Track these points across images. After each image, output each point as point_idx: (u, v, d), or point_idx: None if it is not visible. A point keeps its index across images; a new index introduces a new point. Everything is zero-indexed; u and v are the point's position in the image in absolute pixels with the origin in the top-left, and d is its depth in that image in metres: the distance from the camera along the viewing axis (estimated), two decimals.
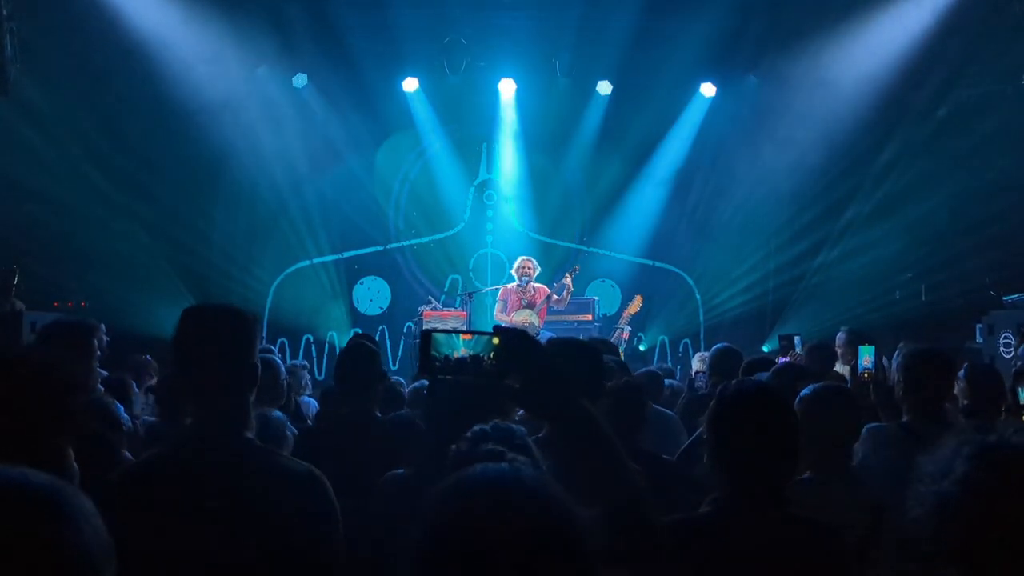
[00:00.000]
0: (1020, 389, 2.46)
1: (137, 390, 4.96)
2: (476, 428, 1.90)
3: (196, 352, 1.96)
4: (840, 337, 5.70)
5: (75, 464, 2.15)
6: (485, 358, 1.44)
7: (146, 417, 4.50)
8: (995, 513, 1.08)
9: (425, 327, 8.44)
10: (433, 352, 1.47)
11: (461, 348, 1.47)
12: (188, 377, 1.98)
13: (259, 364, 2.02)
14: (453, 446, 1.98)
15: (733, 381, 2.10)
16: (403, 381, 5.85)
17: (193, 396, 1.98)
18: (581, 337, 8.53)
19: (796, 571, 1.85)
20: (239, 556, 1.80)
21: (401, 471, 2.49)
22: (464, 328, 8.77)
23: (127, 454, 3.15)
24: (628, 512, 1.37)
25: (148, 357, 5.76)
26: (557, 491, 1.04)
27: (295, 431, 3.96)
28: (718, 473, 1.96)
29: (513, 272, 8.78)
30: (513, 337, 1.44)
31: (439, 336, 1.48)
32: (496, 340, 1.43)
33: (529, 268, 8.61)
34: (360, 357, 3.47)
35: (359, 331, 10.53)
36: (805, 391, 2.60)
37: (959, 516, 1.10)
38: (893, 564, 2.25)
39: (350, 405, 3.44)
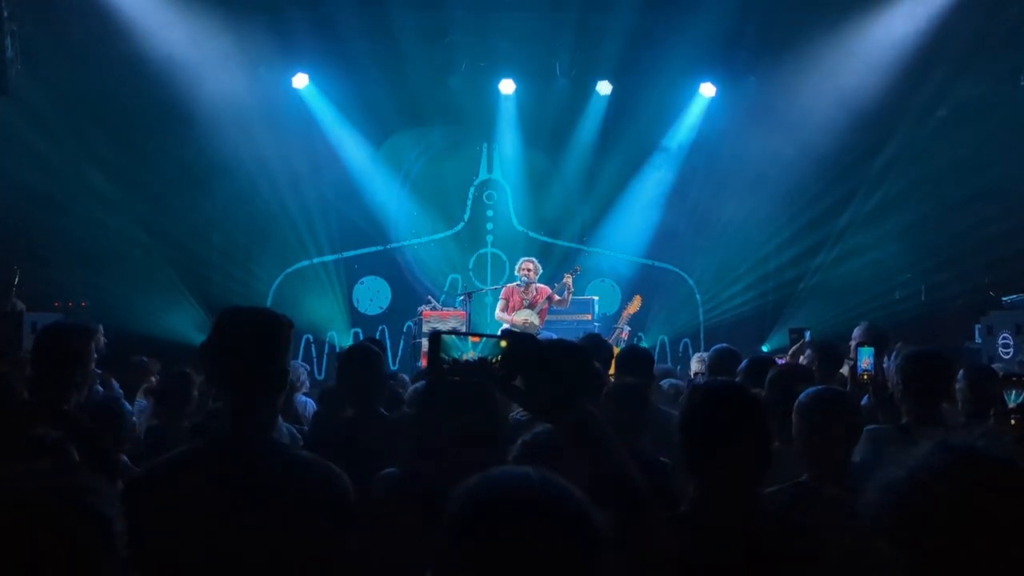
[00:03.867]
0: (1007, 392, 2.48)
1: (119, 390, 4.98)
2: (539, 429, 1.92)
3: (231, 353, 1.98)
4: (857, 332, 5.61)
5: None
6: (492, 361, 1.46)
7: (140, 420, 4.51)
8: (937, 503, 1.14)
9: (430, 328, 8.45)
10: (442, 354, 1.48)
11: (469, 351, 1.49)
12: (221, 377, 2.00)
13: (289, 369, 2.05)
14: (522, 439, 1.99)
15: (704, 381, 2.11)
16: (407, 379, 5.84)
17: (223, 395, 2.01)
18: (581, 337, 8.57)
19: (768, 569, 1.86)
20: (264, 553, 1.83)
21: (392, 470, 2.50)
22: (463, 328, 8.81)
23: (125, 458, 3.16)
24: (631, 514, 1.39)
25: (144, 359, 5.77)
26: (579, 494, 1.06)
27: (295, 432, 3.99)
28: (691, 473, 1.96)
29: (516, 272, 8.81)
30: (520, 341, 1.46)
31: (448, 338, 1.49)
32: (503, 343, 1.45)
33: (530, 269, 8.63)
34: (361, 357, 3.47)
35: (361, 334, 10.58)
36: (803, 395, 2.58)
37: (906, 502, 1.17)
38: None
39: (354, 406, 3.44)
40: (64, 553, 1.09)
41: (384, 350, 3.90)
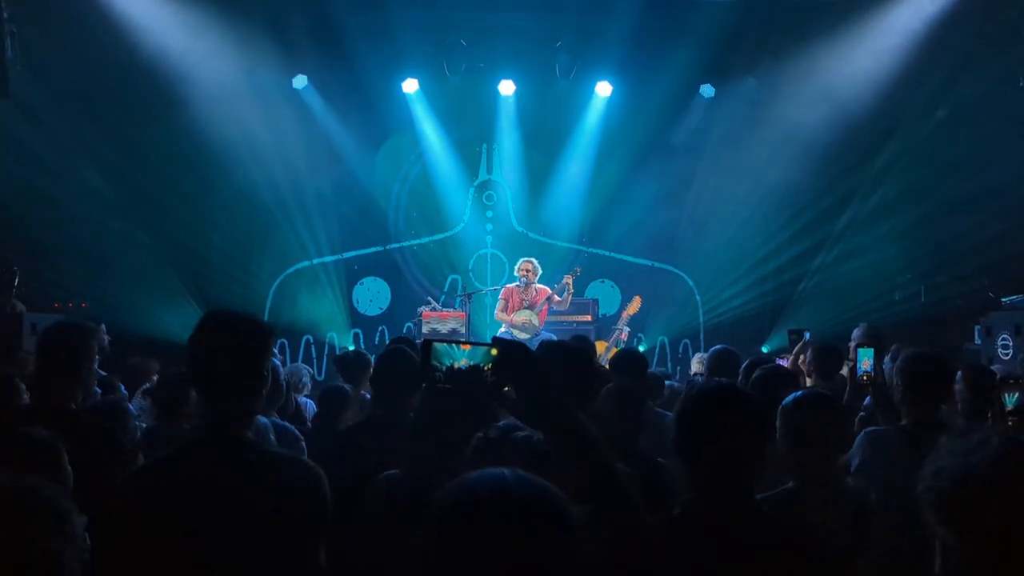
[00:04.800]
0: (1005, 395, 2.48)
1: (125, 391, 4.98)
2: (503, 422, 1.95)
3: (211, 356, 2.02)
4: (856, 333, 5.59)
5: (68, 467, 2.20)
6: (483, 368, 1.46)
7: (141, 424, 4.51)
8: (1012, 492, 1.18)
9: (425, 335, 8.46)
10: (433, 362, 1.49)
11: (460, 358, 1.49)
12: (200, 379, 2.04)
13: (269, 373, 2.08)
14: (480, 433, 2.02)
15: (700, 381, 2.11)
16: None
17: (203, 397, 2.06)
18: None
19: (761, 570, 1.86)
20: (242, 550, 1.86)
21: (395, 472, 2.52)
22: (462, 329, 8.81)
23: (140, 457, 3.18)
24: (616, 519, 1.40)
25: (143, 360, 5.77)
26: (558, 495, 1.07)
27: (295, 431, 3.99)
28: (686, 473, 1.97)
29: (516, 273, 8.83)
30: (511, 348, 1.47)
31: (439, 346, 1.50)
32: (494, 351, 1.45)
33: (529, 270, 8.65)
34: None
35: (361, 335, 10.58)
36: (788, 398, 2.58)
37: (980, 488, 1.20)
38: (876, 570, 2.26)
39: (387, 408, 3.43)
40: (23, 545, 1.12)
41: (416, 351, 3.89)
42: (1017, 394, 2.48)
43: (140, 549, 1.83)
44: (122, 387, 4.94)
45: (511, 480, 1.07)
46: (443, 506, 1.05)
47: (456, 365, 1.48)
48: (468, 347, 1.49)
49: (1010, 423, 2.47)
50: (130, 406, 4.22)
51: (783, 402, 2.57)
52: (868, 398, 3.93)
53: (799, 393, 2.61)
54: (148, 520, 1.86)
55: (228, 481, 1.91)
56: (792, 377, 3.64)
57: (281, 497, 1.92)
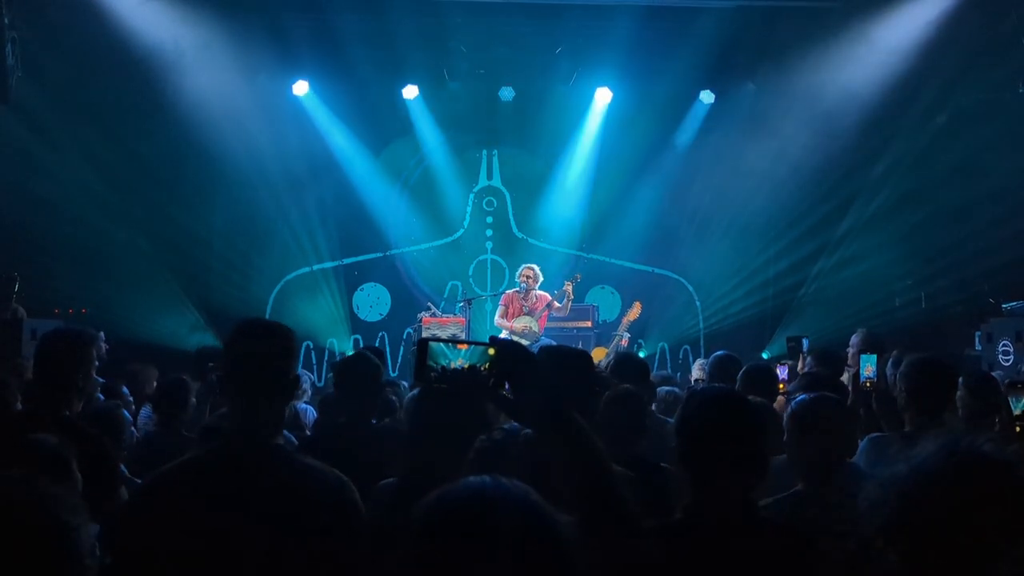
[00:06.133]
0: (1013, 399, 2.48)
1: (131, 397, 4.97)
2: (508, 424, 1.95)
3: (244, 361, 2.08)
4: (854, 340, 5.58)
5: (77, 473, 2.19)
6: (480, 368, 1.45)
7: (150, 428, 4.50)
8: (936, 502, 1.14)
9: (423, 335, 8.45)
10: (430, 362, 1.48)
11: (457, 358, 1.48)
12: (238, 384, 2.09)
13: (298, 378, 2.16)
14: (483, 436, 2.01)
15: (701, 387, 2.11)
16: (406, 385, 5.82)
17: (235, 401, 2.10)
18: (580, 344, 8.58)
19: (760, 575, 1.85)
20: (272, 556, 1.87)
21: (392, 480, 2.50)
22: (462, 335, 8.80)
23: (122, 467, 3.16)
24: (610, 523, 1.39)
25: (143, 366, 5.76)
26: (542, 504, 1.05)
27: (293, 439, 3.98)
28: (687, 479, 1.97)
29: (517, 278, 8.83)
30: (508, 348, 1.46)
31: (435, 346, 1.49)
32: (491, 351, 1.44)
33: (530, 276, 8.65)
34: (359, 367, 3.49)
35: (361, 340, 10.57)
36: (795, 403, 2.59)
37: (906, 500, 1.16)
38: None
39: (347, 413, 3.46)
40: (25, 562, 1.10)
41: (383, 359, 3.92)
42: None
43: (169, 554, 1.83)
44: (126, 390, 4.94)
45: (491, 490, 1.04)
46: (422, 518, 1.03)
47: (453, 365, 1.47)
48: (465, 347, 1.48)
49: (1017, 428, 2.47)
50: (126, 412, 4.20)
51: (791, 406, 2.58)
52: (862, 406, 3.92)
53: (807, 397, 2.61)
54: (178, 524, 1.86)
55: (263, 484, 1.94)
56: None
57: (317, 506, 1.95)
